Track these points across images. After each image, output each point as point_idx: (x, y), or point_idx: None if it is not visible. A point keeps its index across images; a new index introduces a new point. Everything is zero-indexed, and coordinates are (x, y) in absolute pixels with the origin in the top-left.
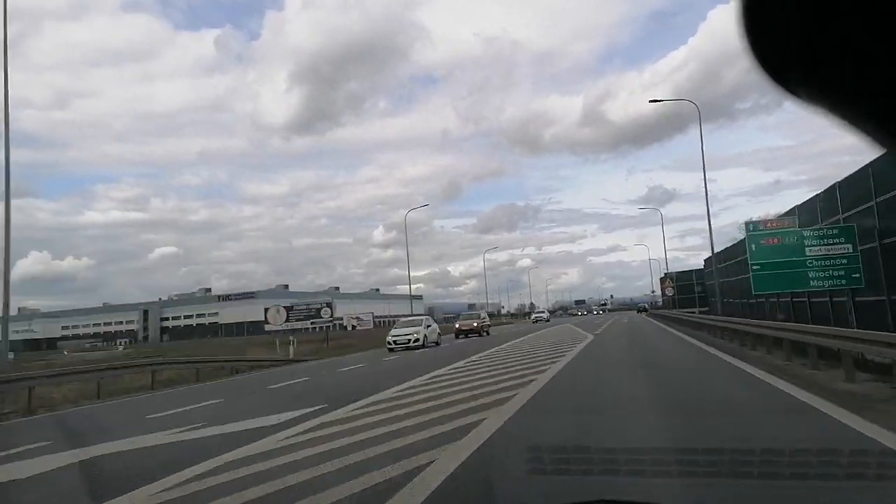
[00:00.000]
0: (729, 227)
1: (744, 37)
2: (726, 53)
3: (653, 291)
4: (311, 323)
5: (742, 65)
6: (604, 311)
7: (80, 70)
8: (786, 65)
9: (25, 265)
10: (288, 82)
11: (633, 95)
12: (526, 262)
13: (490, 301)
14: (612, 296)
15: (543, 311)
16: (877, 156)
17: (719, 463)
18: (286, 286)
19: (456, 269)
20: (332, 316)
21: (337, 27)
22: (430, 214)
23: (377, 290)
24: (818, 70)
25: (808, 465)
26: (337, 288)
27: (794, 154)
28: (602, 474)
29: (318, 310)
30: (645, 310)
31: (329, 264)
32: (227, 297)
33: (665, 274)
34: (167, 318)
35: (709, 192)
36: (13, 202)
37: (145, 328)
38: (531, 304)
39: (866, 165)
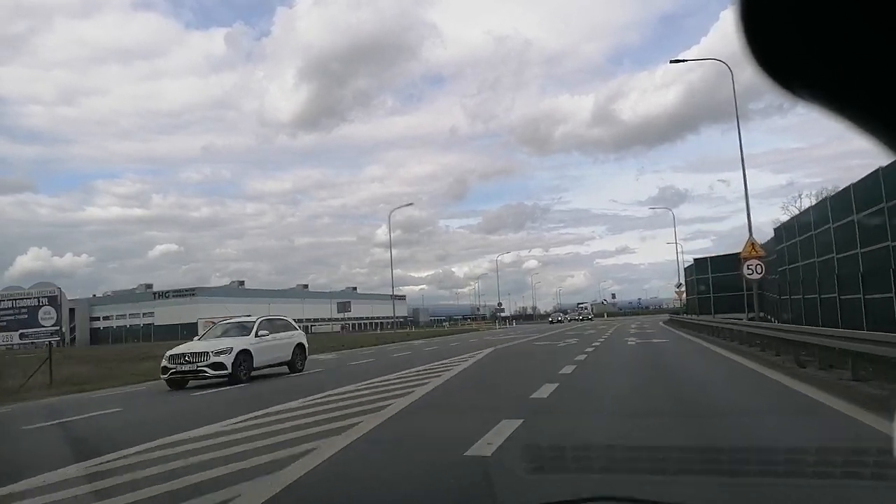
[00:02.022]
0: (740, 229)
1: (744, 41)
2: (739, 54)
3: (679, 285)
4: (21, 335)
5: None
6: (565, 318)
7: (88, 67)
8: (788, 68)
9: (24, 261)
10: (296, 79)
11: (645, 95)
12: (532, 263)
13: (492, 302)
14: (613, 295)
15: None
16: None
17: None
18: (241, 282)
19: (460, 270)
20: (58, 322)
21: (347, 24)
22: (435, 214)
23: (354, 288)
24: (820, 73)
25: (805, 463)
26: (305, 286)
27: (806, 156)
28: (601, 472)
29: (34, 310)
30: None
31: (331, 263)
32: (164, 295)
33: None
34: (98, 318)
35: (720, 194)
36: (12, 196)
37: (73, 329)
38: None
39: None
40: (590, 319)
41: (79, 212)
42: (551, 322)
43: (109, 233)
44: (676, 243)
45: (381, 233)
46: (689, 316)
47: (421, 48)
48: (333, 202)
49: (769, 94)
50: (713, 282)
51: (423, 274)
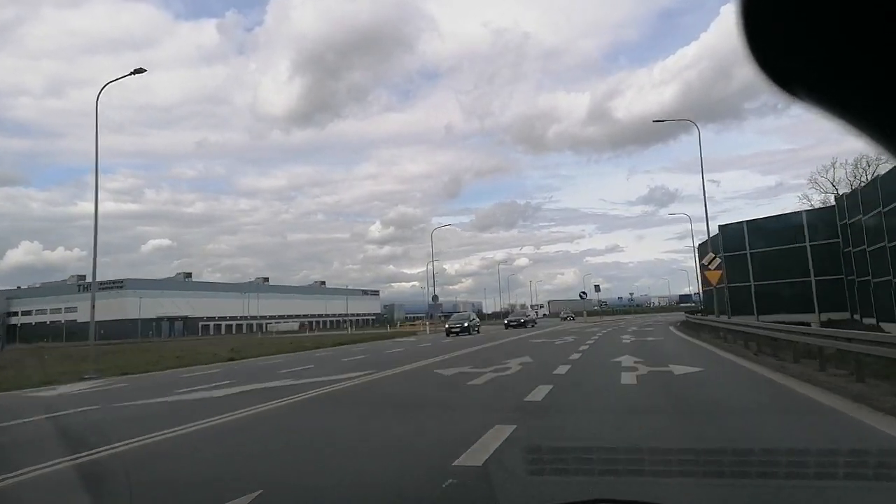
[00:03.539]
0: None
1: (744, 39)
2: (738, 51)
3: (711, 260)
4: None
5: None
6: (473, 325)
7: (77, 58)
8: (788, 68)
9: (15, 255)
10: (290, 72)
11: (641, 93)
12: (523, 261)
13: (480, 300)
14: (597, 287)
15: None
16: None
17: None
18: (189, 275)
19: (452, 268)
20: None
21: (343, 14)
22: (428, 211)
23: (322, 282)
24: (820, 73)
25: (806, 464)
26: (266, 279)
27: (795, 158)
28: (602, 474)
29: None
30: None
31: (325, 260)
32: (90, 287)
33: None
34: (16, 313)
35: (709, 194)
36: (6, 190)
37: None
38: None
39: None
40: (524, 324)
41: (70, 206)
42: (450, 332)
43: (101, 227)
44: (706, 210)
45: (375, 229)
46: (721, 318)
47: (418, 41)
48: (327, 199)
49: (765, 93)
50: (753, 263)
51: (416, 271)
